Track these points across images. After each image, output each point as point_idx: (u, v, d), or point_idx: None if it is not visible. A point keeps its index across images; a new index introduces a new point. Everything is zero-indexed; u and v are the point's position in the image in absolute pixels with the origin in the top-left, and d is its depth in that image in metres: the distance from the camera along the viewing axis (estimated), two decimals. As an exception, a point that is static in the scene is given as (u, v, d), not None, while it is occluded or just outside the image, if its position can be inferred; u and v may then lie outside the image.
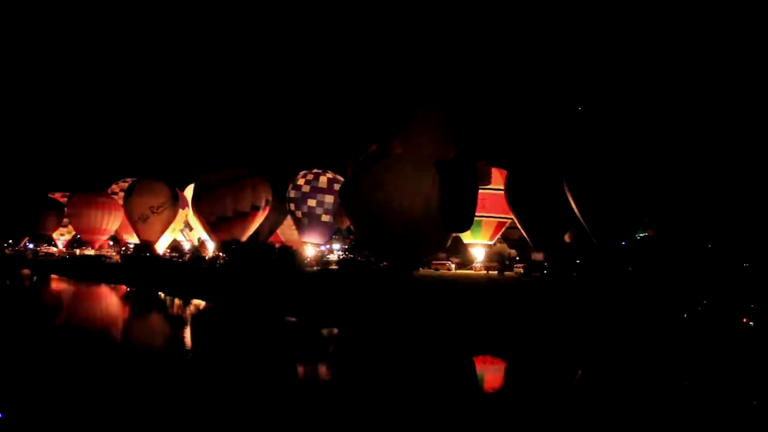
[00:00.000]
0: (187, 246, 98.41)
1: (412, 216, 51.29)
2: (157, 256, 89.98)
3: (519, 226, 67.68)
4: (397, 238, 48.95)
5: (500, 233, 76.37)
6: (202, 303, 46.51)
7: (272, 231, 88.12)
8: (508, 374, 23.23)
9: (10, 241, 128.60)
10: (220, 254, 76.19)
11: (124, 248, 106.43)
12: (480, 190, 56.08)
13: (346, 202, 56.70)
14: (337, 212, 68.69)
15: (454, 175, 52.18)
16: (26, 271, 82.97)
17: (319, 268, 68.11)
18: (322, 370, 23.62)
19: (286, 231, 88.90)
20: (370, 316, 34.42)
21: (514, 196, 65.24)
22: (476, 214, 57.79)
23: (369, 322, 33.48)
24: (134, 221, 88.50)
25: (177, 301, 49.00)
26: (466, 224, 56.14)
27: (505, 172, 67.41)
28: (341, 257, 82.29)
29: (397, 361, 24.58)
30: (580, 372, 22.99)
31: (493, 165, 63.61)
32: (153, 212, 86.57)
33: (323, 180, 78.19)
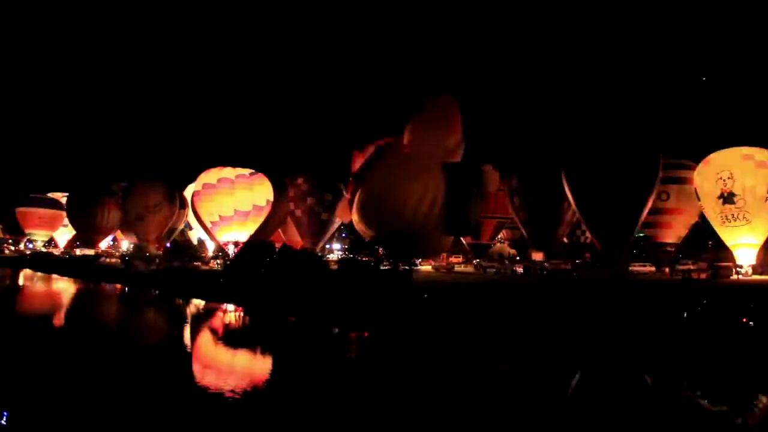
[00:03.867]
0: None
1: (414, 216, 51.47)
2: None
3: (519, 226, 67.79)
4: (397, 236, 49.12)
5: (499, 233, 76.53)
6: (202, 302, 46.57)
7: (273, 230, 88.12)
8: (509, 377, 23.24)
9: (10, 240, 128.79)
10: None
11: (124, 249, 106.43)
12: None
13: (351, 198, 56.99)
14: (341, 207, 68.84)
15: (459, 178, 52.45)
16: (27, 271, 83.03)
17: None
18: (324, 370, 23.63)
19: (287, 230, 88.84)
20: (370, 316, 34.41)
21: (515, 196, 65.32)
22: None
23: (370, 323, 33.47)
24: (132, 221, 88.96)
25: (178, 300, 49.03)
26: (467, 228, 56.33)
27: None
28: (341, 257, 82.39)
29: (400, 361, 24.62)
30: (579, 373, 22.98)
31: (496, 166, 63.67)
32: (149, 212, 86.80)
33: (322, 178, 78.44)
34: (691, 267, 59.10)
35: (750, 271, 58.76)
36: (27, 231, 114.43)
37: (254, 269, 48.12)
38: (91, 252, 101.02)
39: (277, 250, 52.40)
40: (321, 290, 40.55)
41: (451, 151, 55.23)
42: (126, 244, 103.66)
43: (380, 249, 66.23)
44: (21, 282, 68.93)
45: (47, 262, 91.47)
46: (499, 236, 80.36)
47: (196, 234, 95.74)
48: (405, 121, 58.30)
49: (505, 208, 68.03)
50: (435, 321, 30.98)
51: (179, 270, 63.59)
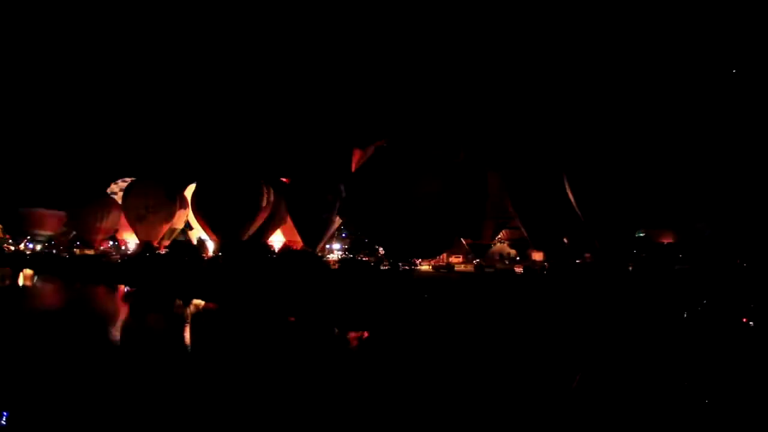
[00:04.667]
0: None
1: (419, 216, 51.45)
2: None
3: (520, 226, 67.69)
4: (400, 236, 48.98)
5: (498, 233, 76.50)
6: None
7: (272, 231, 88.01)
8: (511, 372, 23.24)
9: (10, 240, 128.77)
10: None
11: (123, 248, 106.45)
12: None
13: (351, 196, 56.94)
14: (341, 207, 68.71)
15: (462, 180, 52.41)
16: (28, 271, 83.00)
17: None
18: (324, 368, 23.64)
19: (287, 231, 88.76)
20: (370, 315, 34.43)
21: (516, 196, 65.17)
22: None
23: (369, 322, 33.48)
24: (132, 221, 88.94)
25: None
26: (476, 230, 56.25)
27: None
28: (341, 257, 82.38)
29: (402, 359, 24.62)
30: (579, 371, 22.97)
31: (496, 167, 63.56)
32: (149, 211, 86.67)
33: (321, 178, 78.42)
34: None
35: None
36: (31, 231, 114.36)
37: None
38: (91, 252, 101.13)
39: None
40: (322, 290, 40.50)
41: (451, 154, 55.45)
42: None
43: (380, 249, 66.21)
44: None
45: (49, 262, 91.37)
46: (499, 236, 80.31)
47: (196, 234, 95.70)
48: (405, 121, 58.41)
49: (506, 208, 67.98)
50: (435, 321, 31.01)
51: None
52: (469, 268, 74.06)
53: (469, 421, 16.47)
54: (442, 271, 69.20)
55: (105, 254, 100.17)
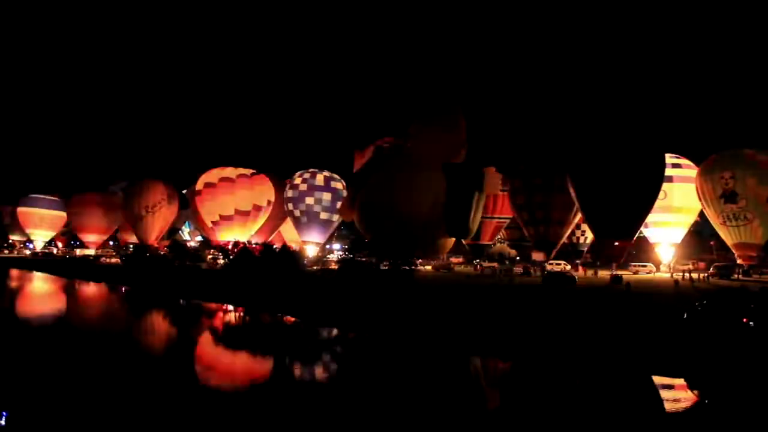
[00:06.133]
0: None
1: (417, 218, 51.47)
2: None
3: (521, 227, 67.77)
4: (401, 238, 48.98)
5: (498, 233, 76.62)
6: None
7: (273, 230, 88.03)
8: (510, 376, 23.25)
9: (10, 240, 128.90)
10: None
11: (123, 248, 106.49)
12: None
13: (354, 197, 56.97)
14: (342, 206, 68.94)
15: (461, 180, 52.39)
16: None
17: (319, 267, 68.32)
18: (323, 370, 23.65)
19: (288, 230, 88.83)
20: (369, 317, 34.41)
21: (517, 196, 65.19)
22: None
23: (368, 323, 33.46)
24: (131, 221, 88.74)
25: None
26: (467, 230, 56.34)
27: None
28: (341, 257, 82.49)
29: (399, 362, 24.61)
30: (580, 373, 22.96)
31: (499, 168, 63.81)
32: (148, 212, 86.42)
33: (320, 178, 78.41)
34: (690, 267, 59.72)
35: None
36: (27, 231, 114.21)
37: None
38: (91, 252, 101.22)
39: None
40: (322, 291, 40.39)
41: (453, 153, 55.39)
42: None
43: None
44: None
45: (46, 263, 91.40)
46: (499, 236, 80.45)
47: (196, 234, 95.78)
48: (405, 121, 58.39)
49: (506, 208, 68.06)
50: (436, 321, 30.99)
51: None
52: (469, 268, 74.24)
53: (467, 422, 16.49)
54: (442, 271, 69.52)
55: (104, 255, 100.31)
